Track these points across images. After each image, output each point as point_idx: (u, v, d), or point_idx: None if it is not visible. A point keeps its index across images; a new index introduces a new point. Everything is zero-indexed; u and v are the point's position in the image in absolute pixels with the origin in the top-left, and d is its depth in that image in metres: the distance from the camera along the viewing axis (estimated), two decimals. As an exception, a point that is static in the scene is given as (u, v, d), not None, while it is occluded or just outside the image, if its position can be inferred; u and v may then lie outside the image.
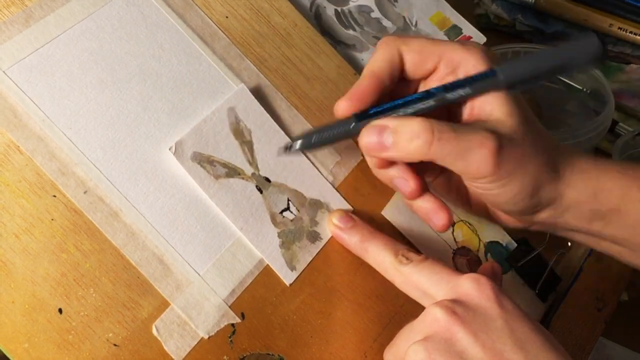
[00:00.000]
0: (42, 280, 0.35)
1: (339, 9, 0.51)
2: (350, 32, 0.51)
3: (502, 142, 0.38)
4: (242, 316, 0.38)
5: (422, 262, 0.38)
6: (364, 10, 0.52)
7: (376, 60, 0.40)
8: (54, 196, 0.36)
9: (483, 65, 0.39)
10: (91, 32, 0.40)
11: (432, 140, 0.37)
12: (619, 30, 0.87)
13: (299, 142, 0.39)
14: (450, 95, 0.39)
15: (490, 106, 0.39)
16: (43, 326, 0.34)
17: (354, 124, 0.38)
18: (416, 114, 0.38)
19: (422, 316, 0.36)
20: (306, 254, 0.41)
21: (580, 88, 0.82)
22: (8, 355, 0.34)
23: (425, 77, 0.41)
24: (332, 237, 0.42)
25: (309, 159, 0.44)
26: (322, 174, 0.44)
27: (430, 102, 0.38)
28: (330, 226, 0.42)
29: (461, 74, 0.40)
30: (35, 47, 0.39)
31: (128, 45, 0.41)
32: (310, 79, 0.46)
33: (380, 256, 0.40)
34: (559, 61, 0.38)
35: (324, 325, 0.40)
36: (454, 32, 0.54)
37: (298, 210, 0.42)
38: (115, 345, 0.35)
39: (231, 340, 0.38)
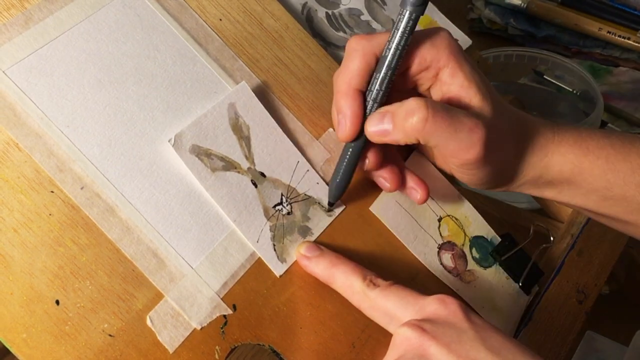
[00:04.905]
0: (39, 273, 0.36)
1: (329, 11, 0.52)
2: (341, 34, 0.52)
3: (488, 130, 0.40)
4: (234, 308, 0.39)
5: (389, 287, 0.38)
6: (354, 13, 0.53)
7: (354, 74, 0.42)
8: (52, 192, 0.37)
9: (451, 57, 0.42)
10: (89, 33, 0.42)
11: (427, 117, 0.39)
12: (607, 33, 0.89)
13: (333, 196, 0.44)
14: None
15: (468, 95, 0.42)
16: (40, 317, 0.35)
17: (354, 143, 0.43)
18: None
19: (392, 340, 0.36)
20: (297, 248, 0.42)
21: (571, 90, 0.84)
22: (7, 345, 0.35)
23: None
24: (322, 232, 0.43)
25: (303, 156, 0.45)
26: (315, 171, 0.45)
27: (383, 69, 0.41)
28: (298, 256, 0.42)
29: (433, 72, 0.42)
30: (35, 48, 0.40)
31: (124, 47, 0.42)
32: (301, 80, 0.48)
33: (348, 281, 0.40)
34: None
35: (313, 317, 0.41)
36: (441, 34, 0.55)
37: (291, 206, 0.43)
38: (110, 335, 0.36)
39: (223, 331, 0.39)
